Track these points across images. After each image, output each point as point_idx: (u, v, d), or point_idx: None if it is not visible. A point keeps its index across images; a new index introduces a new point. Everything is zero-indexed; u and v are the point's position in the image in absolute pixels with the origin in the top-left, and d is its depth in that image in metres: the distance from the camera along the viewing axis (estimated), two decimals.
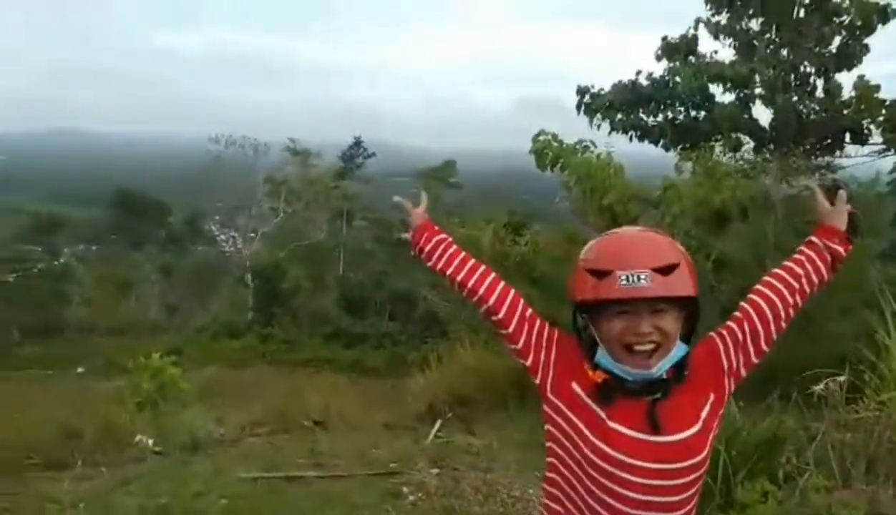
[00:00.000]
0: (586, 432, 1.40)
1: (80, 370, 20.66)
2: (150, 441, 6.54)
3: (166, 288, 31.46)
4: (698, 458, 1.39)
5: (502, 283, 1.62)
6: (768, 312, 1.48)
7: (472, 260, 1.66)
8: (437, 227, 1.76)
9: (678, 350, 1.39)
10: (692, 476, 1.39)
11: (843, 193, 1.58)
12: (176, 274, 32.63)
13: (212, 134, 30.33)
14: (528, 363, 1.52)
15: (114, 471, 5.99)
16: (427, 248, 1.71)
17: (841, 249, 1.54)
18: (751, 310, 1.50)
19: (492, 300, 1.58)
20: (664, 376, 1.39)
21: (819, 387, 3.76)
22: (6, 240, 42.06)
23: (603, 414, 1.39)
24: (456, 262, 1.66)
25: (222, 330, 24.54)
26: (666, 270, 1.34)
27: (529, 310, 1.58)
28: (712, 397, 1.43)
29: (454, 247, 1.70)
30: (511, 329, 1.54)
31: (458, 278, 1.64)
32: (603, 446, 1.38)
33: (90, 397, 8.91)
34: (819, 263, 1.53)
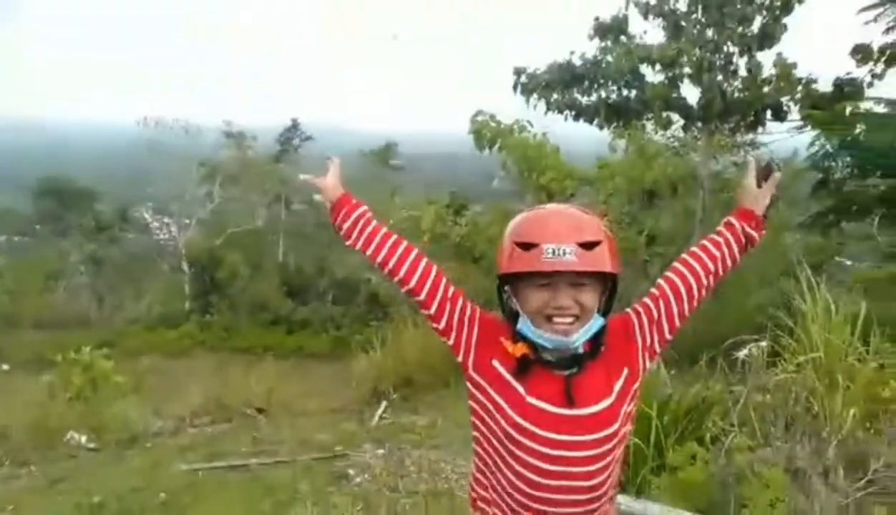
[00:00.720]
0: (506, 407, 1.43)
1: (4, 367, 19.61)
2: (83, 438, 6.32)
3: (96, 279, 30.09)
4: (610, 430, 1.43)
5: (424, 261, 1.59)
6: (683, 292, 1.53)
7: (393, 237, 1.62)
8: (354, 201, 1.68)
9: (595, 321, 1.42)
10: (605, 447, 1.43)
11: (776, 176, 1.61)
12: (106, 263, 31.25)
13: (141, 117, 29.07)
14: (451, 342, 1.53)
15: (45, 469, 5.77)
16: (345, 226, 1.64)
17: (756, 235, 1.59)
18: (667, 289, 1.54)
19: (413, 281, 1.56)
20: (580, 350, 1.43)
21: (742, 353, 3.98)
22: None
23: (522, 390, 1.42)
24: (376, 240, 1.61)
25: (158, 320, 23.74)
26: (589, 246, 1.37)
27: (452, 289, 1.56)
28: (626, 371, 1.47)
29: (373, 223, 1.63)
30: (433, 310, 1.53)
31: (379, 258, 1.60)
32: (521, 420, 1.41)
33: (17, 395, 8.50)
34: (734, 246, 1.58)
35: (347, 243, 1.67)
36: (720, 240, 1.60)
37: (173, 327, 23.12)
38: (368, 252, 1.63)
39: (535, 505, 1.46)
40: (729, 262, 1.59)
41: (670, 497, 3.25)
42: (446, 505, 4.15)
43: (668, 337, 1.54)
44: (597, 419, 1.43)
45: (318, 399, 8.23)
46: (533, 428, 1.42)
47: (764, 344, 3.96)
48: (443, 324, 1.55)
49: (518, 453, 1.44)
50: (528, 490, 1.45)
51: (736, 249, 1.59)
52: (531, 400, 1.43)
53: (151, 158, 29.85)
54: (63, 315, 25.63)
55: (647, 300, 1.56)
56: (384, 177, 32.00)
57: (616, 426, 1.45)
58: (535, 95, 10.48)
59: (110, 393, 8.10)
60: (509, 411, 1.44)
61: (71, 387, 8.16)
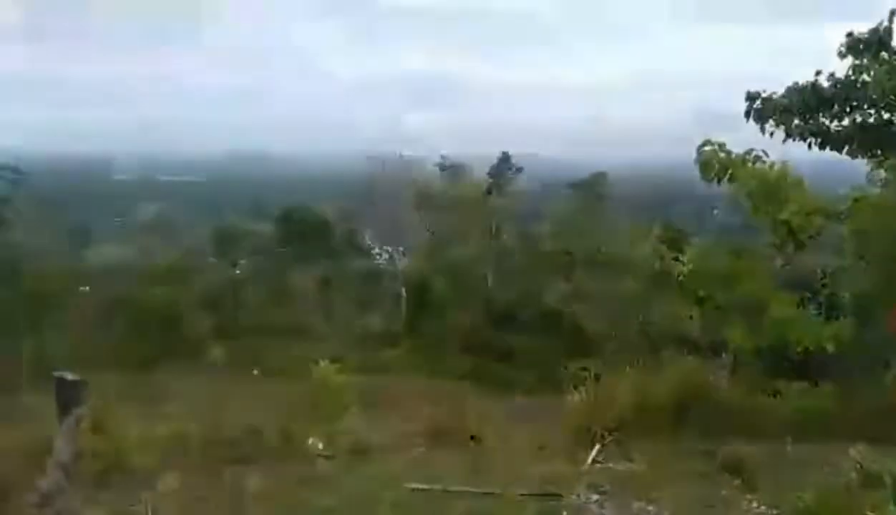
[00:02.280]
0: None
1: (255, 371, 22.63)
2: (320, 445, 6.98)
3: (326, 298, 33.67)
4: None
5: None
6: None
7: None
8: None
9: None
10: None
11: None
12: (335, 285, 34.86)
13: (370, 153, 32.22)
14: None
15: (290, 470, 6.47)
16: None
17: None
18: None
19: None
20: None
21: None
22: (196, 250, 47.72)
23: None
24: None
25: (377, 340, 25.76)
26: None
27: None
28: None
29: None
30: None
31: None
32: None
33: (267, 398, 9.70)
34: None
35: None
36: None
37: (390, 347, 24.88)
38: None
39: None
40: None
41: None
42: None
43: None
44: None
45: (527, 432, 8.20)
46: None
47: None
48: None
49: None
50: None
51: None
52: None
53: (375, 188, 32.83)
54: (299, 329, 28.87)
55: None
56: (593, 208, 31.56)
57: None
58: (770, 122, 9.61)
59: (341, 406, 8.90)
60: None
61: (309, 396, 9.12)
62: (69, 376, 2.94)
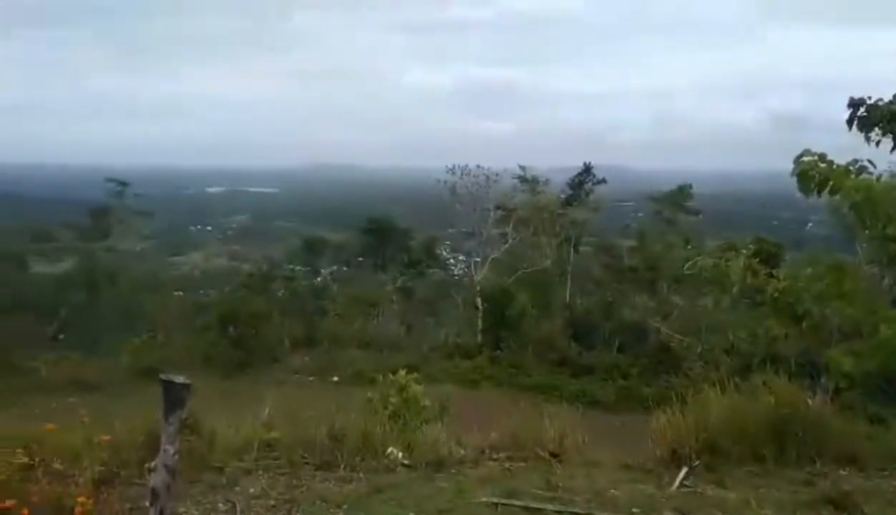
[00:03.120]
0: None
1: (335, 378, 23.20)
2: (400, 454, 7.02)
3: (405, 308, 34.12)
4: None
5: None
6: None
7: None
8: None
9: None
10: None
11: None
12: (414, 295, 35.28)
13: (449, 165, 32.43)
14: None
15: (370, 477, 6.54)
16: None
17: None
18: None
19: None
20: None
21: None
22: (280, 260, 49.66)
23: None
24: None
25: (454, 350, 25.80)
26: None
27: None
28: None
29: None
30: None
31: None
32: None
33: (346, 404, 9.84)
34: None
35: None
36: None
37: (467, 358, 24.87)
38: None
39: None
40: None
41: None
42: None
43: None
44: None
45: (609, 451, 7.93)
46: None
47: None
48: None
49: None
50: None
51: None
52: None
53: (453, 201, 33.02)
54: (378, 338, 29.38)
55: None
56: (677, 221, 30.53)
57: None
58: (876, 130, 8.96)
59: (419, 416, 8.95)
60: None
61: (389, 405, 9.22)
62: (177, 379, 3.08)
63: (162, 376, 3.11)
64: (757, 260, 11.15)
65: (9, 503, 4.06)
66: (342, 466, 6.74)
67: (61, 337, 29.38)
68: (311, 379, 23.34)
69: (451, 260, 46.54)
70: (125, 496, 5.53)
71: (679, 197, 30.98)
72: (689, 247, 23.73)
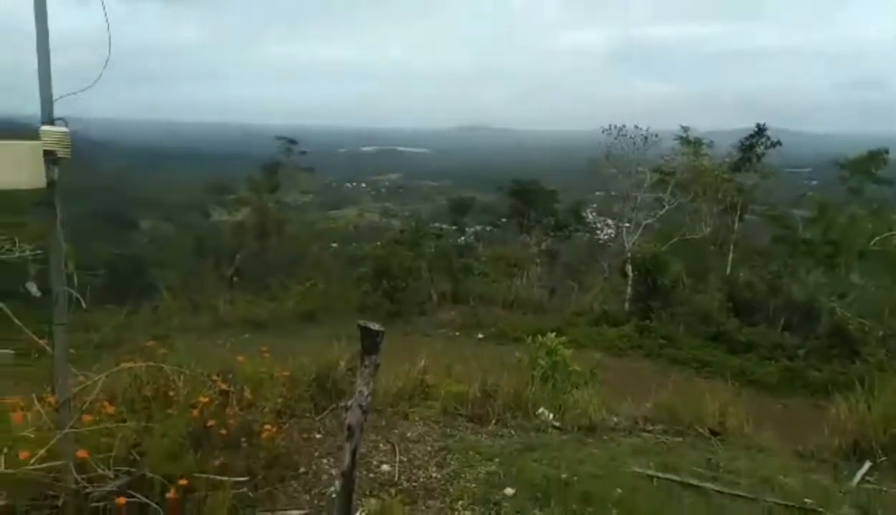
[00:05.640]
0: None
1: (480, 336, 23.66)
2: (551, 415, 7.03)
3: (550, 271, 33.77)
4: None
5: None
6: None
7: None
8: None
9: None
10: None
11: None
12: (559, 258, 34.80)
13: (605, 126, 31.13)
14: None
15: (521, 435, 6.63)
16: None
17: None
18: None
19: None
20: None
21: None
22: (430, 217, 51.24)
23: None
24: None
25: (600, 317, 25.18)
26: None
27: None
28: None
29: None
30: None
31: None
32: None
33: (492, 361, 9.98)
34: None
35: None
36: None
37: (613, 326, 24.17)
38: None
39: None
40: None
41: None
42: None
43: None
44: None
45: (775, 435, 7.39)
46: None
47: None
48: None
49: None
50: None
51: None
52: None
53: (608, 164, 31.77)
54: (520, 299, 29.37)
55: None
56: (864, 191, 27.18)
57: None
58: None
59: (569, 379, 8.86)
60: None
61: (538, 367, 9.21)
62: (373, 326, 3.27)
63: (360, 322, 3.31)
64: None
65: (211, 422, 4.60)
66: (493, 421, 6.88)
67: (235, 279, 32.57)
68: (456, 333, 23.98)
69: (598, 225, 45.23)
70: (300, 426, 6.07)
71: (870, 163, 27.24)
72: (879, 220, 21.06)
